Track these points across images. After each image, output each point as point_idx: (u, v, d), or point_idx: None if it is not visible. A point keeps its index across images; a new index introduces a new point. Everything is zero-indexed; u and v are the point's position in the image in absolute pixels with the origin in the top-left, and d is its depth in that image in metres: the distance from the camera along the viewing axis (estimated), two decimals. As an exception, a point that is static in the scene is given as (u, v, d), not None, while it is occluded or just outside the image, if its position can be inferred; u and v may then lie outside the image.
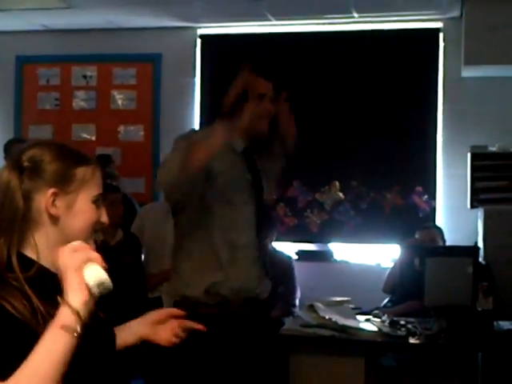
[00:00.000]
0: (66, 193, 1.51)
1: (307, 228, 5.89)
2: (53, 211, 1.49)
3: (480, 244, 4.98)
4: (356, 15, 5.62)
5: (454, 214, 5.55)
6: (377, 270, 5.50)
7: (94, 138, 6.28)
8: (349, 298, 4.18)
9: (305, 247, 5.89)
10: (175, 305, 2.71)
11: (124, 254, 4.16)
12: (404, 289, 4.73)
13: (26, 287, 1.41)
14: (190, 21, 5.93)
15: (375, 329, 3.82)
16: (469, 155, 5.33)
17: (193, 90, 6.10)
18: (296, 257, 5.69)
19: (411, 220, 5.56)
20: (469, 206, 5.30)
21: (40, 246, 1.49)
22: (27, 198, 1.48)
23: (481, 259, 4.61)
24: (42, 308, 1.40)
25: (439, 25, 5.72)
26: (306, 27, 5.90)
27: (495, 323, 3.83)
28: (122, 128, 6.23)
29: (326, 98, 5.86)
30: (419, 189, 5.69)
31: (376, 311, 4.16)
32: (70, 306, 1.33)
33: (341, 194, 5.83)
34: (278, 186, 3.57)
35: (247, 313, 2.76)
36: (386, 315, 4.02)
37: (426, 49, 5.73)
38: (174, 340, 1.86)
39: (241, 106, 2.73)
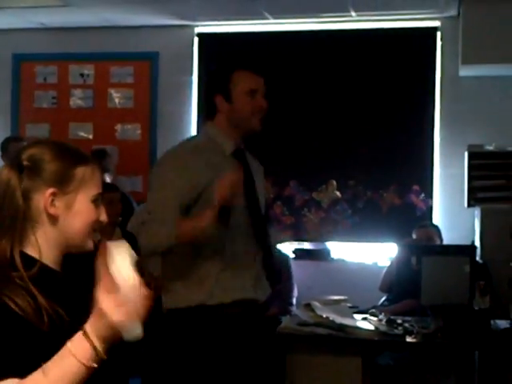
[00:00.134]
0: (65, 193, 1.51)
1: (304, 227, 5.89)
2: (52, 211, 1.50)
3: (477, 243, 4.99)
4: (353, 14, 5.62)
5: (451, 213, 5.56)
6: (374, 269, 5.51)
7: (91, 137, 6.26)
8: (346, 297, 4.18)
9: (302, 246, 5.89)
10: (168, 313, 2.72)
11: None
12: (401, 287, 4.74)
13: (31, 285, 1.41)
14: (188, 19, 5.92)
15: (372, 327, 3.82)
16: (466, 154, 5.32)
17: (190, 89, 6.08)
18: (293, 255, 5.70)
19: (408, 219, 5.56)
20: (466, 204, 5.30)
21: (41, 245, 1.49)
22: (26, 197, 1.48)
23: (478, 258, 4.62)
24: (47, 306, 1.40)
25: (437, 24, 5.72)
26: (304, 26, 5.89)
27: (492, 322, 3.83)
28: (119, 126, 6.22)
29: (323, 96, 5.85)
30: (416, 188, 5.70)
31: (373, 310, 4.16)
32: (95, 348, 1.31)
33: (338, 193, 5.83)
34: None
35: (243, 312, 2.75)
36: (382, 314, 4.01)
37: (424, 48, 5.73)
38: None
39: (229, 106, 2.72)
